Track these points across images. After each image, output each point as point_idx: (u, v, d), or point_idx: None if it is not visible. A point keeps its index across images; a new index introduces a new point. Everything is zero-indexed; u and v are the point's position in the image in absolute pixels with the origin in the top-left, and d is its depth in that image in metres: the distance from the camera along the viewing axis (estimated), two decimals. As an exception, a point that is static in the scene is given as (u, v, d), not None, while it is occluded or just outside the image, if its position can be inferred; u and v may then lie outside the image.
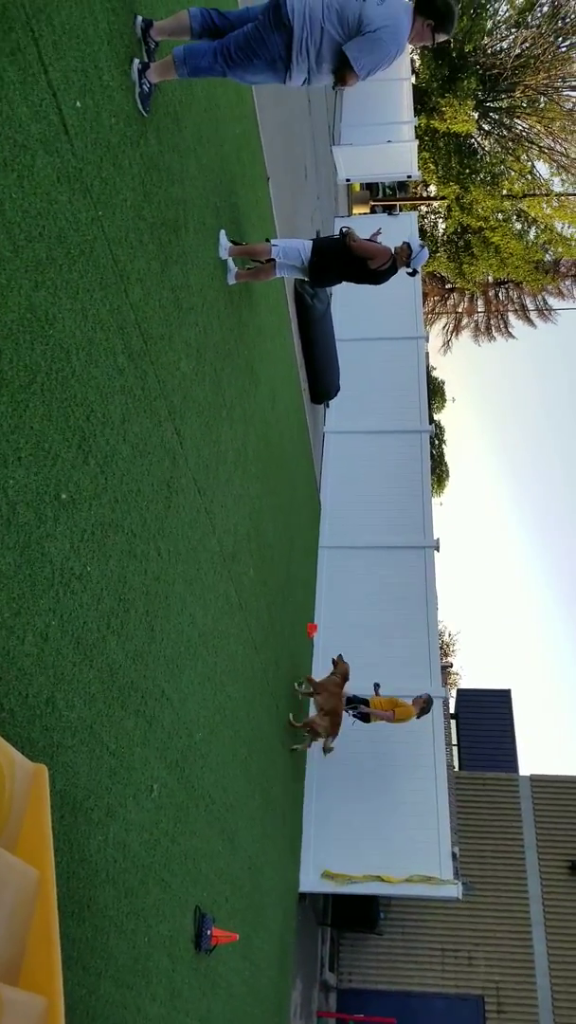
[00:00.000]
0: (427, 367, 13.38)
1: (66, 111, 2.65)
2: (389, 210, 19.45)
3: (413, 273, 5.53)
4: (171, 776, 3.63)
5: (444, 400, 33.96)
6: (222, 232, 4.94)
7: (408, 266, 5.42)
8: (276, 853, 6.53)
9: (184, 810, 3.83)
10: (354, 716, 7.95)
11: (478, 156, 24.95)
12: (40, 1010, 1.80)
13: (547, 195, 24.37)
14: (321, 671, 9.22)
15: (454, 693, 15.92)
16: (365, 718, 7.99)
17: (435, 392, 31.44)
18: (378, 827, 8.33)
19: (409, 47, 4.33)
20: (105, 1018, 2.85)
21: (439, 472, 31.59)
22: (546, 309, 29.09)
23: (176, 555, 3.79)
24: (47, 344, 2.48)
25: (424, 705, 8.01)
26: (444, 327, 31.83)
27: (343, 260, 5.30)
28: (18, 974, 1.86)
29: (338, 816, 8.41)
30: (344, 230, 5.24)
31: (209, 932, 4.10)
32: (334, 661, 7.86)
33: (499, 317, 30.58)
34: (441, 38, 3.77)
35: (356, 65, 3.57)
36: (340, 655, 7.92)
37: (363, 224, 16.76)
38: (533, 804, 12.43)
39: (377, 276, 5.35)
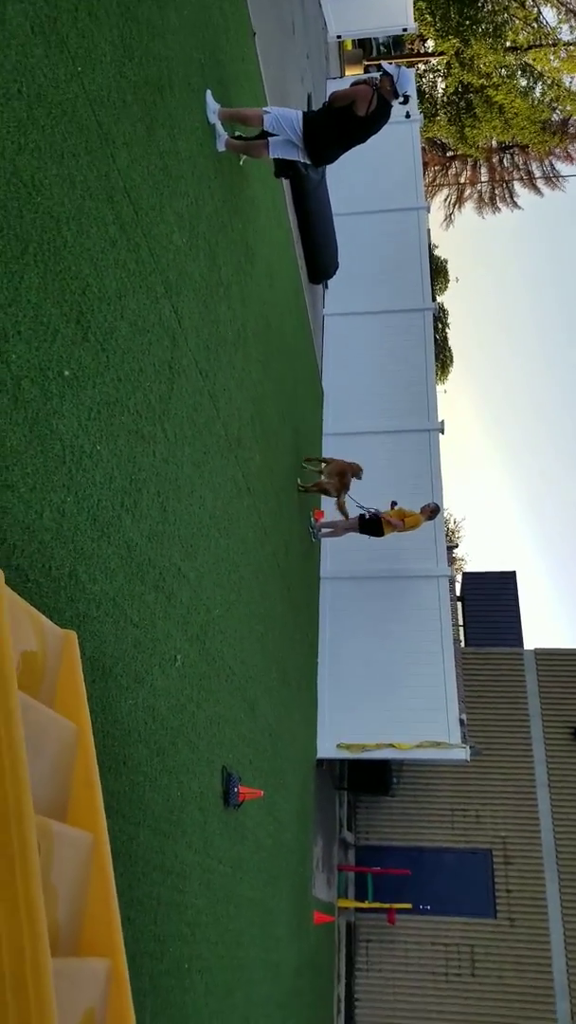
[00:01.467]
0: (428, 243, 12.87)
1: (34, -48, 2.45)
2: (384, 70, 18.16)
3: (405, 101, 5.12)
4: (193, 648, 3.78)
5: (447, 281, 32.90)
6: (208, 92, 4.66)
7: (396, 96, 4.98)
8: (294, 722, 6.89)
9: (207, 679, 4.02)
10: (368, 517, 8.40)
11: (479, 4, 23.00)
12: (87, 844, 1.96)
13: (554, 45, 22.67)
14: (328, 559, 9.48)
15: (460, 577, 16.23)
16: (376, 526, 8.38)
17: (437, 272, 30.42)
18: (389, 697, 8.74)
19: None
20: (146, 862, 3.10)
21: (443, 358, 30.98)
22: (553, 175, 27.67)
23: (183, 438, 3.80)
24: (36, 212, 2.40)
25: (431, 513, 8.63)
26: (446, 199, 30.42)
27: (334, 123, 4.94)
28: (65, 814, 2.02)
29: (351, 688, 8.81)
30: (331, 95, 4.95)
31: (236, 789, 4.39)
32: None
33: (504, 186, 29.15)
34: None
35: None
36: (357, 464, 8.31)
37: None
38: (538, 675, 12.94)
39: (370, 123, 4.97)
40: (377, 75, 5.01)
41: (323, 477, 8.23)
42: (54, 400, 2.44)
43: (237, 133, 5.14)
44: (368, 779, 11.29)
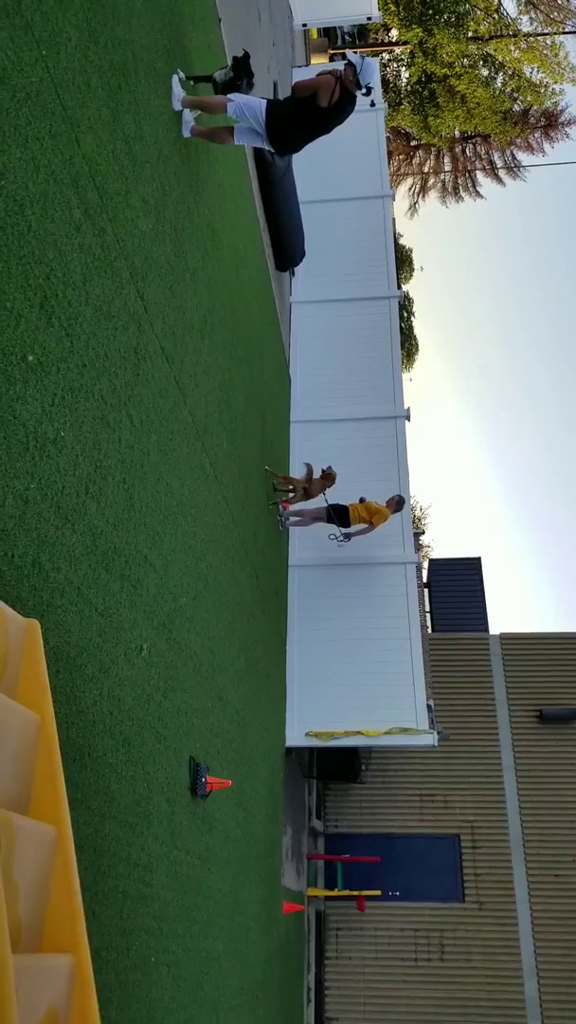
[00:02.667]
0: (394, 231, 12.88)
1: None
2: (350, 59, 18.11)
3: (368, 92, 5.06)
4: (159, 637, 3.75)
5: (412, 269, 33.04)
6: (174, 78, 4.58)
7: (359, 87, 4.90)
8: (262, 711, 6.88)
9: (174, 668, 3.99)
10: (337, 538, 8.60)
11: (442, -6, 23.05)
12: (50, 838, 1.93)
13: (515, 36, 22.83)
14: (297, 547, 9.51)
15: (426, 564, 16.35)
16: (343, 512, 8.58)
17: (403, 261, 30.53)
18: (357, 684, 8.79)
19: None
20: (112, 854, 3.07)
21: (408, 346, 31.13)
22: (515, 165, 27.88)
23: (149, 424, 3.75)
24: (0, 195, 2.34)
25: (396, 506, 8.83)
26: (410, 188, 30.49)
27: (297, 113, 4.86)
28: (27, 807, 1.98)
29: (319, 676, 8.85)
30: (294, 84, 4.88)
31: (204, 779, 4.37)
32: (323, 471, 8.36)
33: (467, 175, 29.31)
34: None
35: None
36: (330, 466, 8.40)
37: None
38: (503, 659, 13.12)
39: (333, 113, 4.89)
40: (341, 65, 4.93)
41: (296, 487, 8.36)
42: (17, 386, 2.38)
43: (196, 113, 5.03)
44: (337, 766, 11.37)
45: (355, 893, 10.99)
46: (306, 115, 4.88)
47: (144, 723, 3.47)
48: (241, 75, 4.88)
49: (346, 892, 11.04)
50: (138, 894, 3.31)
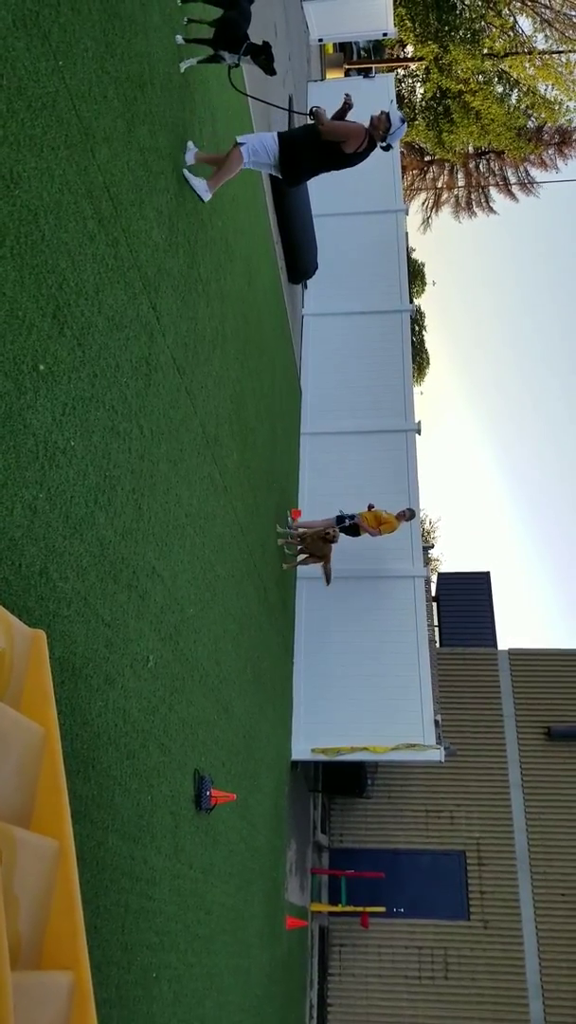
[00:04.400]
0: (407, 245, 12.91)
1: None
2: (365, 73, 18.23)
3: (387, 148, 4.91)
4: (166, 648, 3.73)
5: (424, 284, 33.09)
6: (189, 143, 4.54)
7: (383, 140, 4.79)
8: (268, 724, 6.84)
9: (180, 680, 3.97)
10: (342, 531, 8.47)
11: (457, 11, 23.20)
12: (52, 851, 1.90)
13: (530, 53, 22.93)
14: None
15: (435, 578, 16.29)
16: (355, 530, 8.48)
17: (415, 275, 30.59)
18: (365, 697, 8.74)
19: None
20: (114, 868, 3.04)
21: (419, 360, 31.16)
22: (528, 181, 27.94)
23: (159, 434, 3.74)
24: (13, 205, 2.35)
25: (407, 517, 8.81)
26: (423, 203, 30.58)
27: (315, 149, 4.70)
28: (29, 820, 1.96)
29: (326, 688, 8.80)
30: (313, 110, 4.62)
31: (208, 792, 4.34)
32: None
33: (480, 191, 29.38)
34: None
35: None
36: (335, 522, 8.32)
37: (336, 88, 15.78)
38: (511, 675, 13.03)
39: (354, 159, 4.79)
40: (376, 115, 4.73)
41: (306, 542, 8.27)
42: (28, 395, 2.38)
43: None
44: (342, 781, 11.29)
45: (359, 909, 10.87)
46: (326, 155, 4.76)
47: (149, 735, 3.44)
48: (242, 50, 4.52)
49: (350, 908, 10.93)
50: (140, 908, 3.27)
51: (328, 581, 8.46)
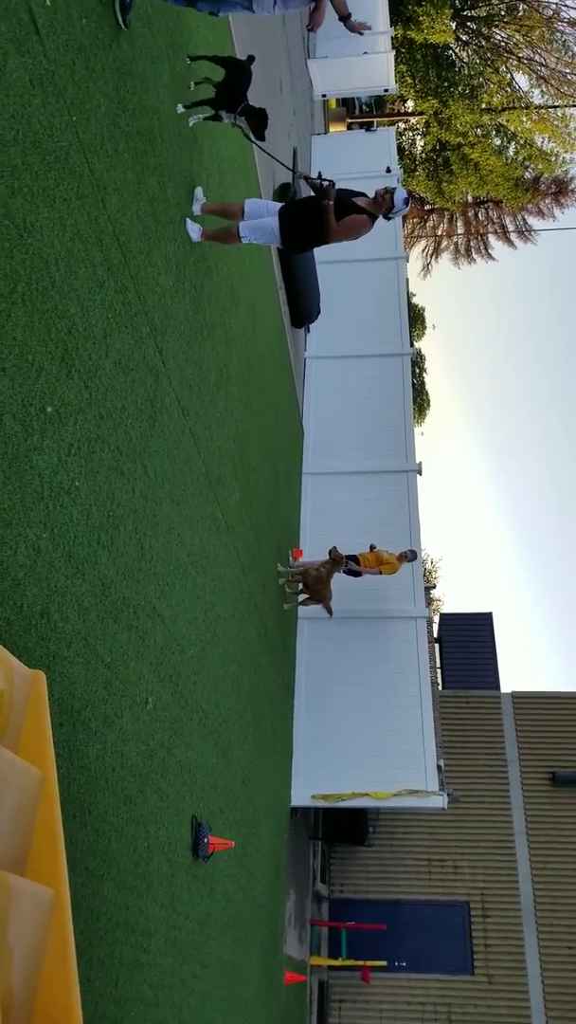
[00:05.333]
0: (407, 291, 13.15)
1: (36, 10, 2.52)
2: (367, 126, 18.76)
3: (388, 218, 4.76)
4: (165, 690, 3.70)
5: (424, 327, 33.59)
6: (199, 189, 4.64)
7: (386, 217, 4.67)
8: (268, 768, 6.74)
9: (179, 723, 3.92)
10: (345, 572, 8.42)
11: (456, 68, 24.04)
12: (47, 900, 1.86)
13: (527, 108, 23.64)
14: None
15: (437, 618, 16.20)
16: (356, 573, 8.46)
17: (415, 319, 31.04)
18: (366, 741, 8.61)
19: None
20: (109, 918, 2.97)
21: (420, 401, 31.47)
22: (526, 229, 28.54)
23: (163, 475, 3.77)
24: (26, 253, 2.40)
25: (409, 559, 8.77)
26: (424, 250, 31.21)
27: (320, 225, 4.50)
28: (24, 867, 1.92)
29: (326, 732, 8.67)
30: (324, 204, 4.38)
31: (206, 839, 4.25)
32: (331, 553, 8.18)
33: (479, 238, 29.99)
34: None
35: None
36: (335, 547, 8.25)
37: (339, 142, 16.23)
38: (515, 719, 12.86)
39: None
40: (380, 191, 4.59)
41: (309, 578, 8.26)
42: (35, 436, 2.41)
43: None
44: (343, 828, 11.05)
45: (360, 963, 10.56)
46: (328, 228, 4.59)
47: (147, 780, 3.40)
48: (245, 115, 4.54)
49: (351, 962, 10.61)
50: (135, 961, 3.19)
51: (330, 614, 8.45)
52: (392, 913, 11.39)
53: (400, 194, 4.63)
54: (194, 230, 4.52)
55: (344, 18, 3.97)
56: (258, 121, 4.50)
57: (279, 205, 4.71)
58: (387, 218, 4.74)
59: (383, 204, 4.58)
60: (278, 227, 4.60)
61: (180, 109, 4.38)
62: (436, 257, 31.09)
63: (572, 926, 11.19)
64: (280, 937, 7.37)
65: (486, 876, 11.57)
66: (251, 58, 4.75)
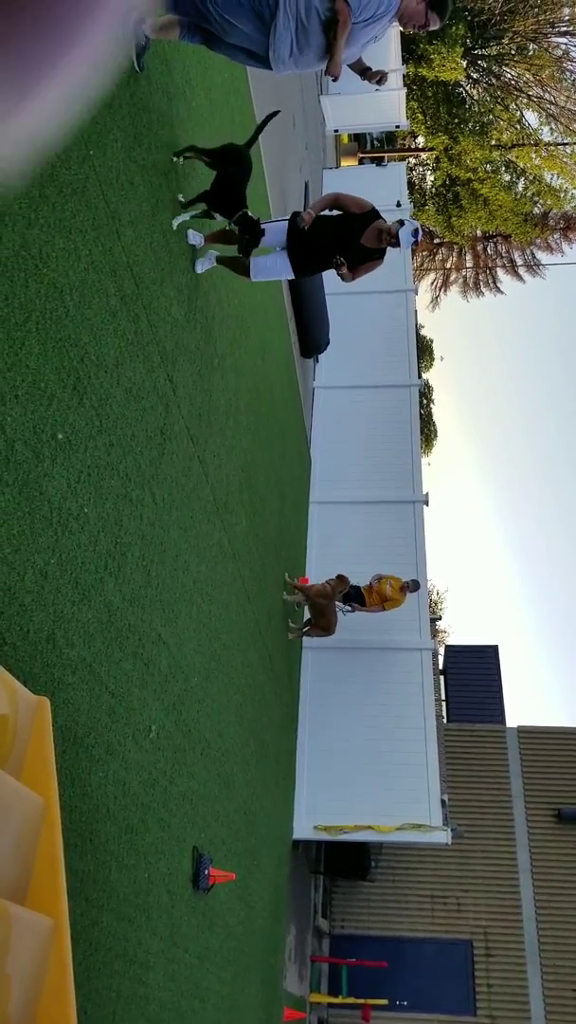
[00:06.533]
0: (416, 323, 13.28)
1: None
2: (378, 161, 19.09)
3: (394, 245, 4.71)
4: (168, 719, 3.68)
5: (432, 359, 33.82)
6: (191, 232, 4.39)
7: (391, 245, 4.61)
8: (270, 800, 6.67)
9: (182, 752, 3.90)
10: (346, 608, 8.51)
11: (467, 105, 24.48)
12: (47, 930, 1.85)
13: (536, 145, 24.04)
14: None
15: (442, 650, 16.10)
16: (360, 597, 8.55)
17: (423, 350, 31.28)
18: (370, 774, 8.52)
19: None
20: (107, 949, 2.93)
21: (427, 432, 31.60)
22: (534, 264, 28.85)
23: (170, 502, 3.79)
24: (41, 283, 2.45)
25: (412, 589, 8.78)
26: (432, 283, 31.54)
27: (328, 253, 4.47)
28: (25, 896, 1.91)
29: (329, 763, 8.59)
30: (338, 262, 4.42)
31: (207, 871, 4.20)
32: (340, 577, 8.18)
33: (487, 272, 30.31)
34: (435, 23, 3.55)
35: None
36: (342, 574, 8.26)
37: (351, 175, 16.49)
38: (520, 754, 12.71)
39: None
40: (387, 231, 4.54)
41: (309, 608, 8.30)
42: (45, 462, 2.43)
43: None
44: (345, 862, 10.88)
45: (360, 1001, 10.33)
46: (339, 248, 4.57)
47: (149, 809, 3.37)
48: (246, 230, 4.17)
49: (351, 1000, 10.38)
50: (132, 994, 3.14)
51: (329, 631, 8.46)
52: (394, 950, 11.17)
53: (407, 228, 4.57)
54: (201, 265, 4.47)
55: (362, 72, 4.02)
56: (250, 237, 4.04)
57: (285, 230, 4.54)
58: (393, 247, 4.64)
59: (390, 233, 4.53)
60: (289, 266, 4.57)
61: (175, 223, 3.94)
62: (445, 290, 31.42)
63: (578, 968, 10.95)
64: (280, 973, 7.24)
65: (490, 914, 11.35)
66: (275, 113, 4.55)
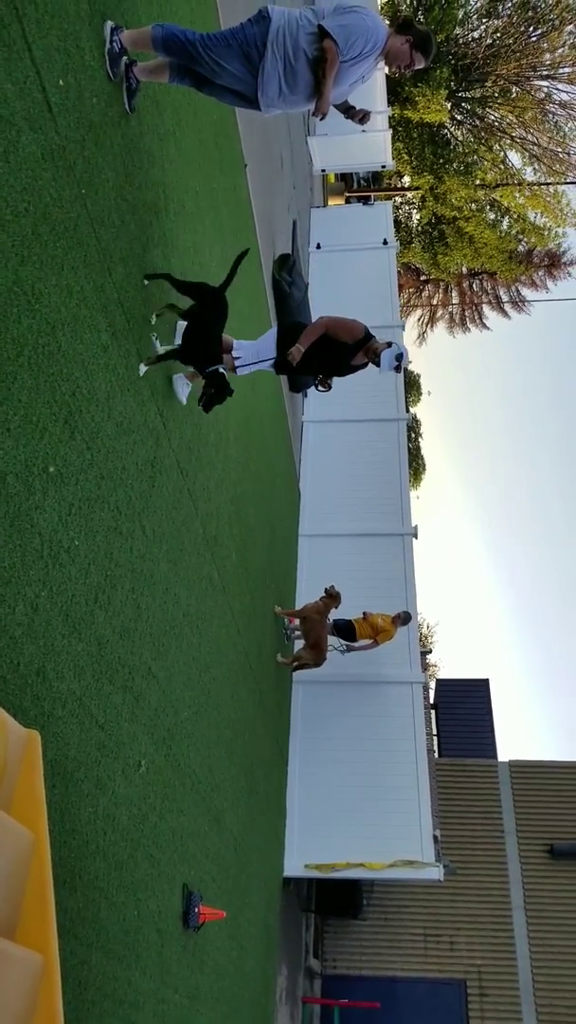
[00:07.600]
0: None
1: (49, 89, 2.66)
2: (364, 200, 19.51)
3: (375, 364, 4.79)
4: (158, 753, 3.66)
5: (420, 393, 34.20)
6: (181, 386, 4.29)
7: (374, 363, 4.72)
8: (261, 836, 6.58)
9: (172, 787, 3.87)
10: (342, 647, 8.59)
11: (451, 146, 25.11)
12: (36, 967, 1.82)
13: (520, 184, 24.63)
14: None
15: (433, 684, 16.03)
16: (350, 631, 8.60)
17: (411, 385, 31.63)
18: (361, 810, 8.43)
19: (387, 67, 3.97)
20: (96, 988, 2.88)
21: (415, 465, 31.83)
22: (520, 300, 29.37)
23: (160, 535, 3.81)
24: (33, 318, 2.50)
25: (402, 622, 8.82)
26: (419, 319, 32.01)
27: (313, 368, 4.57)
28: (14, 932, 1.88)
29: (320, 799, 8.50)
30: (321, 389, 4.69)
31: (197, 909, 4.14)
32: (327, 591, 8.25)
33: (473, 308, 30.82)
34: (420, 62, 3.64)
35: (331, 31, 3.37)
36: (332, 586, 8.30)
37: (337, 215, 16.83)
38: (512, 789, 12.60)
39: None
40: (372, 349, 4.68)
41: (303, 632, 8.33)
42: (37, 495, 2.45)
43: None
44: (337, 900, 10.69)
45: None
46: (324, 367, 4.84)
47: (138, 845, 3.33)
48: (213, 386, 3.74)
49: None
50: (120, 1037, 3.07)
51: (320, 656, 8.45)
52: (386, 990, 10.93)
53: (391, 352, 4.54)
54: (183, 390, 4.23)
55: (346, 111, 4.12)
56: (216, 393, 3.69)
57: (274, 343, 4.63)
58: (375, 365, 4.72)
59: (377, 349, 4.63)
60: (273, 364, 4.67)
61: (143, 369, 3.59)
62: (432, 326, 31.89)
63: (573, 1008, 10.73)
64: (272, 1014, 7.07)
65: (483, 953, 11.15)
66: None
